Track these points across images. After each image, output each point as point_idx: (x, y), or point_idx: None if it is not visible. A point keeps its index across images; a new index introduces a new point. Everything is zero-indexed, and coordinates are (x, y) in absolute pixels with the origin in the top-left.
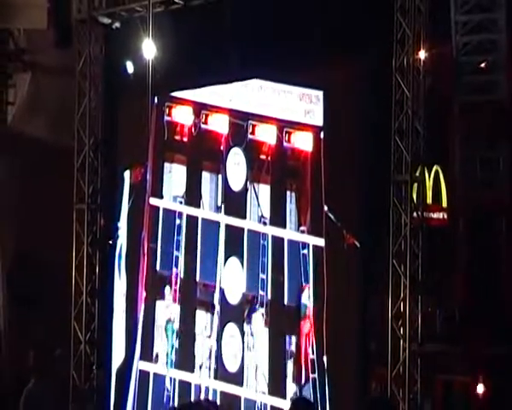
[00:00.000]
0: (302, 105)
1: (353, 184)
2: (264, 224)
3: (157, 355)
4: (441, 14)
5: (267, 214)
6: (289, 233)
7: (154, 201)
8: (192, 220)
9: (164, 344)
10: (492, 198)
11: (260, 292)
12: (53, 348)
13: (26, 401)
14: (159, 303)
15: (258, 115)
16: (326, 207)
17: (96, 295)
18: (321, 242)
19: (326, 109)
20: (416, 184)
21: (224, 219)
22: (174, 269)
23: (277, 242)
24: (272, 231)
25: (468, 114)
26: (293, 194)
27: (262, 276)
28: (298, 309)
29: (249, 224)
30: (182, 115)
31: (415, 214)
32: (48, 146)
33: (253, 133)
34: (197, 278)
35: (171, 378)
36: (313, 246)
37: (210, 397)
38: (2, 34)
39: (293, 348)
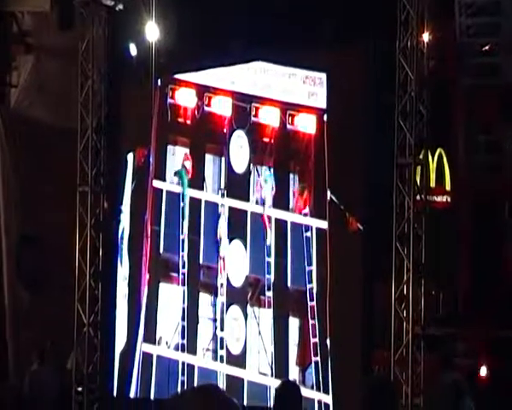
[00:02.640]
0: (305, 87)
1: (356, 166)
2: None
3: (161, 338)
4: None
5: (270, 197)
6: (292, 216)
7: (157, 183)
8: (195, 203)
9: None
10: (496, 181)
11: (266, 275)
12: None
13: (30, 382)
14: (162, 285)
15: (262, 98)
16: (329, 190)
17: (99, 277)
18: (324, 224)
19: (329, 92)
20: (419, 167)
21: (227, 202)
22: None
23: (280, 224)
24: (275, 213)
25: (472, 97)
26: (297, 176)
27: (267, 259)
28: (301, 292)
29: (252, 206)
30: (185, 98)
31: (418, 197)
32: (51, 128)
33: (256, 116)
34: (200, 261)
35: (177, 361)
36: (316, 229)
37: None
38: (6, 17)
39: (296, 330)
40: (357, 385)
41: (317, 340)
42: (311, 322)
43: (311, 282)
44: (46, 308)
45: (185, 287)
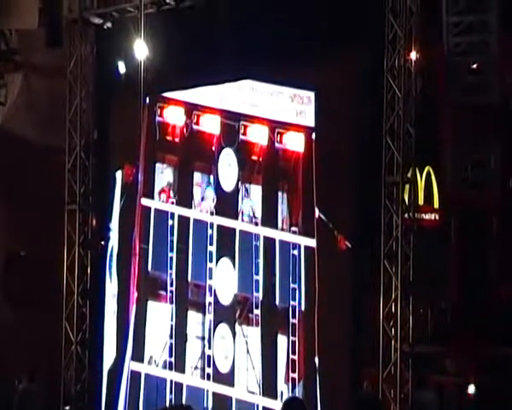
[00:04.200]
0: (294, 106)
1: (345, 184)
2: (256, 224)
3: (151, 357)
4: (433, 14)
5: (259, 215)
6: (281, 234)
7: (145, 201)
8: (184, 221)
9: None
10: (484, 198)
11: (254, 293)
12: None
13: (19, 400)
14: (150, 303)
15: (250, 116)
16: (317, 208)
17: (87, 295)
18: (312, 243)
19: (317, 110)
20: (407, 186)
21: (216, 220)
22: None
23: (269, 242)
24: (264, 231)
25: (460, 115)
26: (285, 195)
27: (255, 277)
28: (289, 310)
29: (241, 224)
30: (173, 116)
31: (406, 215)
32: (39, 146)
33: (244, 134)
34: (189, 279)
35: (165, 380)
36: (304, 247)
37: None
38: None
39: (284, 348)
40: (345, 403)
41: (296, 357)
42: (291, 339)
43: (294, 299)
44: (33, 326)
45: (173, 305)
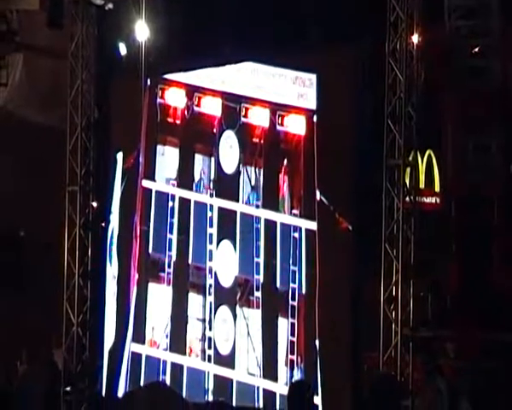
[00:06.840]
0: (295, 88)
1: (346, 167)
2: (257, 207)
3: (152, 335)
4: None
5: (260, 197)
6: (282, 216)
7: (146, 183)
8: (184, 203)
9: None
10: (485, 182)
11: (255, 276)
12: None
13: (20, 382)
14: (151, 285)
15: (251, 98)
16: (318, 191)
17: (88, 277)
18: (313, 225)
19: (319, 93)
20: (408, 169)
21: (217, 202)
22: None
23: (270, 225)
24: (265, 214)
25: (461, 99)
26: (286, 177)
27: (256, 259)
28: (290, 293)
29: (242, 207)
30: (175, 98)
31: (407, 199)
32: (40, 128)
33: (245, 116)
34: (190, 261)
35: (166, 361)
36: (306, 230)
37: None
38: None
39: (285, 331)
40: (346, 386)
41: (294, 339)
42: (290, 321)
43: (294, 281)
44: (34, 308)
45: (174, 287)
